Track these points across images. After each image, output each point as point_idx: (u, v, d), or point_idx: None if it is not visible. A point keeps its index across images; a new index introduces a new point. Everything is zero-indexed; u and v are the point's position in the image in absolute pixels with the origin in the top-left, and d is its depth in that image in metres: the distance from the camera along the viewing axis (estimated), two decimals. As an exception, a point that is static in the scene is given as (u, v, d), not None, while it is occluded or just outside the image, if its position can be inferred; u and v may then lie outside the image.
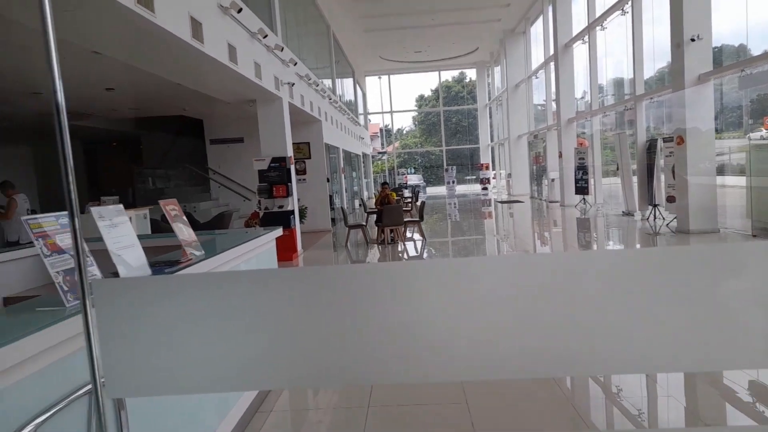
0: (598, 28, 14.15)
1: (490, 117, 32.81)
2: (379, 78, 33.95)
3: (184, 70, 7.26)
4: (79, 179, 17.29)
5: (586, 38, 14.91)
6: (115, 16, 4.64)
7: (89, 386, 1.60)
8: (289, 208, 10.34)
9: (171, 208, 2.66)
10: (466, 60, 29.93)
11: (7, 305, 3.23)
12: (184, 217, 2.78)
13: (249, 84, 8.19)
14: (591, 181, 15.22)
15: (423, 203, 11.54)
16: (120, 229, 2.13)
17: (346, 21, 18.97)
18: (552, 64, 17.67)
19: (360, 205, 23.35)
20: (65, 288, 1.72)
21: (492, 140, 32.52)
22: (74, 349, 1.61)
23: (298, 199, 11.46)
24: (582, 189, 15.34)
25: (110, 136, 16.46)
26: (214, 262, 2.79)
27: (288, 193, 10.24)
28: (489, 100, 32.06)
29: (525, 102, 23.57)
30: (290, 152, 10.39)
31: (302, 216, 12.64)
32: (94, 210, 2.03)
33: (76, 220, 1.16)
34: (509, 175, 25.39)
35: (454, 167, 33.65)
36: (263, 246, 3.83)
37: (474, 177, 37.70)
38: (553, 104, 18.47)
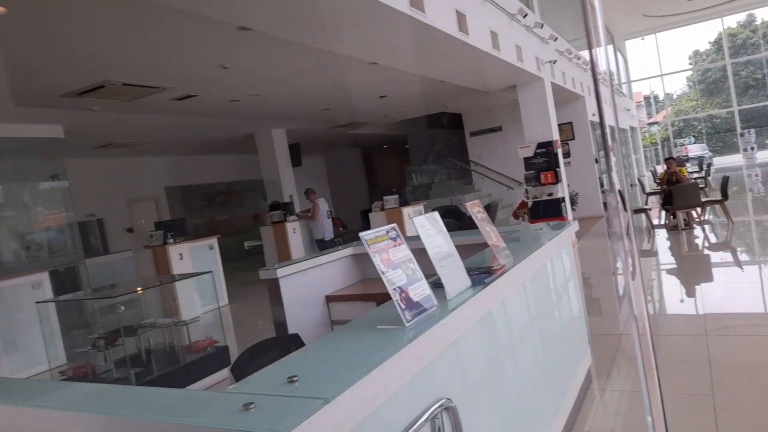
0: None
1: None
2: (642, 39, 29.91)
3: (448, 66, 7.36)
4: (361, 180, 19.62)
5: None
6: (391, 23, 4.83)
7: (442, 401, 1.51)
8: (559, 195, 9.69)
9: (476, 210, 2.50)
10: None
11: (329, 302, 3.58)
12: (490, 219, 2.59)
13: (510, 69, 7.89)
14: None
15: (726, 177, 9.52)
16: (439, 237, 2.03)
17: (605, -18, 17.04)
18: None
19: (632, 185, 20.94)
20: (402, 306, 1.64)
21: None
22: (420, 368, 1.52)
23: (568, 185, 10.70)
24: None
25: (381, 140, 18.14)
26: (525, 267, 2.53)
27: (557, 179, 9.60)
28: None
29: None
30: (556, 135, 9.73)
31: (573, 203, 11.79)
32: (416, 220, 1.96)
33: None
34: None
35: (752, 130, 27.50)
36: (564, 243, 3.45)
37: (780, 140, 30.35)
38: None
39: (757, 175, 18.50)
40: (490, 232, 2.49)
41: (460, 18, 5.77)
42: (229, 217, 16.00)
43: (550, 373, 2.89)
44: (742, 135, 27.27)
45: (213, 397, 1.25)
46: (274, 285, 3.04)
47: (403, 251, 1.78)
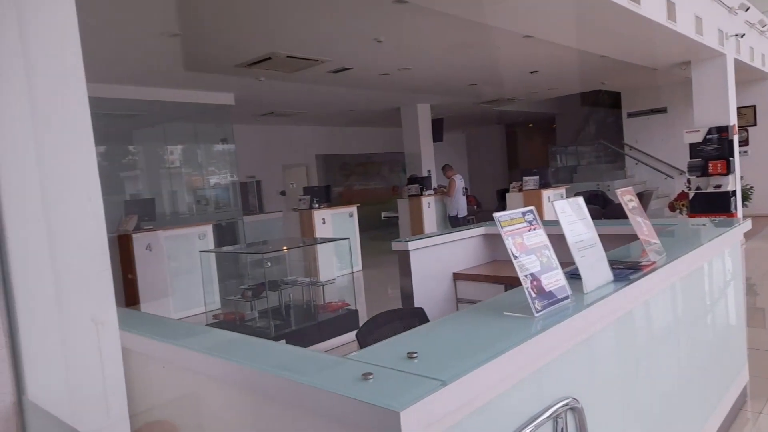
0: None
1: None
2: None
3: (613, 40, 6.74)
4: (501, 159, 19.09)
5: None
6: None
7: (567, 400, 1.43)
8: (730, 188, 8.52)
9: (628, 198, 2.28)
10: None
11: (456, 280, 3.55)
12: (642, 209, 2.35)
13: (686, 43, 6.99)
14: None
15: None
16: (580, 225, 1.88)
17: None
18: None
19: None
20: (533, 294, 1.56)
21: None
22: (546, 362, 1.44)
23: (741, 177, 9.35)
24: None
25: (527, 117, 17.37)
26: (678, 267, 2.26)
27: (729, 170, 8.44)
28: None
29: None
30: (734, 120, 8.51)
31: (745, 198, 10.32)
32: (557, 204, 1.84)
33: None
34: None
35: None
36: (732, 242, 3.03)
37: None
38: None
39: None
40: (641, 224, 2.26)
41: (631, -17, 5.22)
42: (370, 187, 16.61)
43: (696, 386, 2.59)
44: None
45: (336, 361, 1.30)
46: (404, 257, 3.08)
47: (539, 236, 1.68)
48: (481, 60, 8.35)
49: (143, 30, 5.54)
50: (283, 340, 4.33)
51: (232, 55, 6.74)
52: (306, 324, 4.70)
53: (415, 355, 1.20)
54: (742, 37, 8.66)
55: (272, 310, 4.60)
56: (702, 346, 2.75)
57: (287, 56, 6.90)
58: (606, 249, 2.54)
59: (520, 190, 9.64)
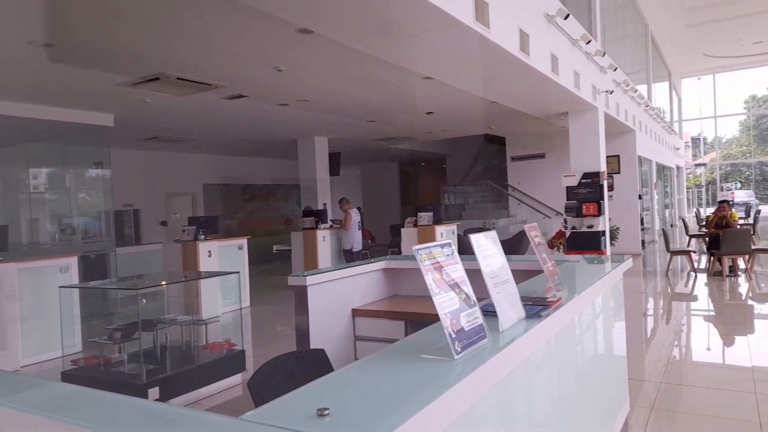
0: None
1: None
2: (699, 79, 29.07)
3: (504, 86, 7.15)
4: (395, 195, 19.46)
5: None
6: (454, 36, 4.66)
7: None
8: (600, 228, 9.29)
9: (534, 234, 2.26)
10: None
11: (355, 316, 3.35)
12: (546, 245, 2.34)
13: (566, 95, 7.61)
14: None
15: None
16: (495, 259, 1.80)
17: (666, 18, 16.67)
18: None
19: (671, 225, 20.13)
20: (453, 335, 1.41)
21: None
22: (465, 410, 1.29)
23: (609, 219, 10.27)
24: None
25: (421, 156, 17.98)
26: (579, 302, 2.27)
27: (600, 212, 9.21)
28: None
29: None
30: (603, 167, 9.36)
31: (613, 237, 11.34)
32: (474, 237, 1.73)
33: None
34: None
35: (808, 181, 26.35)
36: (616, 279, 3.16)
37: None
38: None
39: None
40: (546, 259, 2.24)
41: (523, 37, 5.57)
42: (262, 218, 15.99)
43: (591, 421, 2.60)
44: (795, 185, 26.10)
45: (222, 425, 1.03)
46: (301, 293, 2.84)
47: (458, 272, 1.56)
48: (380, 97, 8.45)
49: (4, 36, 4.87)
50: (156, 388, 3.81)
51: (114, 72, 6.15)
52: (184, 367, 4.19)
53: (326, 412, 0.99)
54: (610, 93, 9.66)
55: (145, 352, 4.05)
56: (595, 380, 2.79)
57: (178, 78, 6.43)
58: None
59: (415, 225, 9.77)
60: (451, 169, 18.11)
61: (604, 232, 9.34)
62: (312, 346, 2.82)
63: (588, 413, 2.59)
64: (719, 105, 34.87)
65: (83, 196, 9.22)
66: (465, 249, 2.35)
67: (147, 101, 7.50)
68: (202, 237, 7.91)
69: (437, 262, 1.49)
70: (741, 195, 28.99)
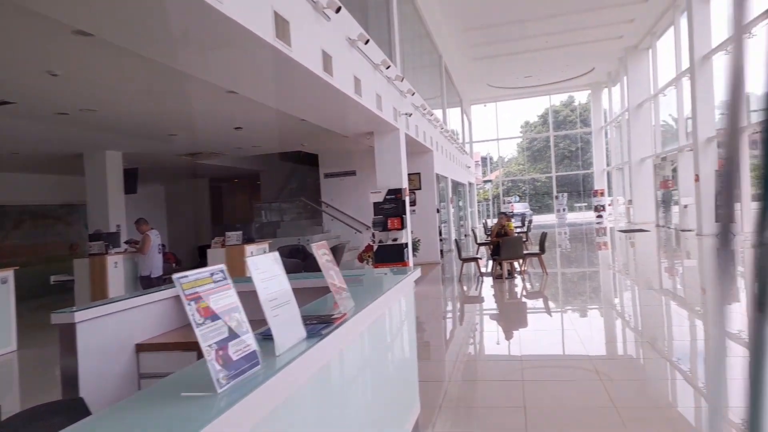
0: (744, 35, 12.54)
1: (606, 140, 30.76)
2: (485, 106, 33.35)
3: (309, 105, 7.24)
4: (204, 214, 18.42)
5: (729, 48, 13.29)
6: (254, 51, 4.57)
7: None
8: (403, 240, 9.97)
9: (322, 252, 2.29)
10: (579, 82, 28.47)
11: (139, 352, 3.03)
12: (335, 261, 2.39)
13: (370, 116, 8.02)
14: (736, 207, 13.30)
15: (545, 234, 10.66)
16: (274, 282, 1.76)
17: (456, 51, 18.76)
18: (685, 79, 16.01)
19: (465, 235, 22.55)
20: (217, 367, 1.33)
21: (608, 165, 30.35)
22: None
23: (411, 231, 11.07)
24: (727, 216, 13.47)
25: (233, 173, 17.35)
26: (366, 316, 2.36)
27: (403, 226, 9.90)
28: (605, 122, 30.10)
29: (649, 122, 21.69)
30: (405, 184, 10.08)
31: (415, 249, 12.23)
32: (250, 261, 1.67)
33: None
34: (630, 202, 23.36)
35: (565, 194, 31.84)
36: (407, 288, 3.37)
37: (585, 204, 35.49)
38: (687, 123, 16.70)
39: (565, 233, 21.18)
40: (333, 276, 2.28)
41: (326, 58, 5.71)
42: (39, 245, 13.70)
43: (386, 426, 2.71)
44: (556, 197, 31.36)
45: None
46: (68, 332, 2.46)
47: (229, 298, 1.48)
48: (180, 109, 7.94)
49: None
50: None
51: None
52: None
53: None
54: (409, 116, 10.47)
55: None
56: (387, 386, 2.92)
57: None
58: (305, 302, 2.50)
59: (223, 245, 9.34)
60: (265, 186, 17.83)
61: (407, 244, 10.03)
62: (82, 392, 2.46)
63: (381, 421, 2.69)
64: (501, 129, 40.50)
65: None
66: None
67: None
68: (-47, 269, 6.49)
69: (198, 292, 1.39)
70: (519, 207, 33.84)
